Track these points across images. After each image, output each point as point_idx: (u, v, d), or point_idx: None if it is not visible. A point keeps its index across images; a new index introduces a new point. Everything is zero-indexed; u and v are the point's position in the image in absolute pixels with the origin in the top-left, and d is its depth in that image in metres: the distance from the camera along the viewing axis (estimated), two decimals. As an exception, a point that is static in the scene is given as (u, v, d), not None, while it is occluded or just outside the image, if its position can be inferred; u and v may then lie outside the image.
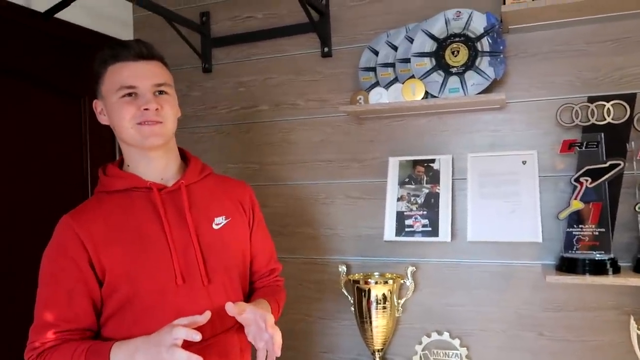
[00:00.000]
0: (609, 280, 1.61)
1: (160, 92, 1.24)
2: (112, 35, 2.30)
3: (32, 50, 1.98)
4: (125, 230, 1.19)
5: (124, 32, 2.39)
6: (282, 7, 2.17)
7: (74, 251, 1.15)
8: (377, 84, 1.97)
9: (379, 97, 1.91)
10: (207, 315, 1.09)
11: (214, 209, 1.33)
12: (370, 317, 1.89)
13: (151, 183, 1.24)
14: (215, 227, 1.31)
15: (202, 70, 2.31)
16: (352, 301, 1.96)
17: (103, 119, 1.28)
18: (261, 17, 2.23)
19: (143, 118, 1.19)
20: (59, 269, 1.15)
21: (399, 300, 1.93)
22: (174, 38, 2.20)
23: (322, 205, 2.12)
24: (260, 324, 1.17)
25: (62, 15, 1.97)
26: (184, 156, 1.38)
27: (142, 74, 1.21)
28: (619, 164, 1.66)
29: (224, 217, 1.33)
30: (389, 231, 1.92)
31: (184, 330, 1.03)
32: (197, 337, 1.03)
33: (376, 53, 1.98)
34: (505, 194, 1.81)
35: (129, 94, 1.20)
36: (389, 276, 1.94)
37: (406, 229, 1.90)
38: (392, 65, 1.94)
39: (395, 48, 1.94)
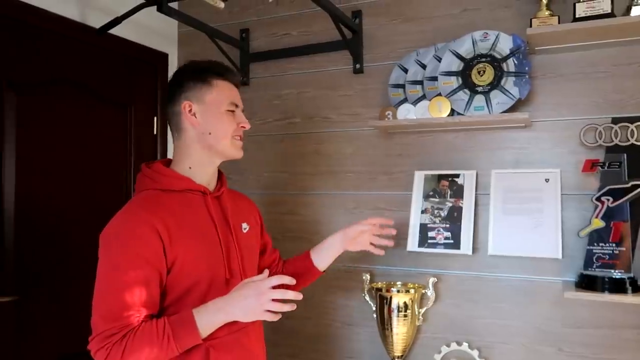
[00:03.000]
0: (628, 299, 1.64)
1: None
2: (158, 49, 2.47)
3: (85, 62, 2.14)
4: (188, 226, 1.31)
5: (170, 46, 2.55)
6: (317, 25, 2.28)
7: (151, 240, 1.23)
8: (405, 100, 2.05)
9: (407, 113, 1.99)
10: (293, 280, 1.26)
11: (241, 216, 1.51)
12: (391, 325, 1.96)
13: (204, 188, 1.39)
14: (243, 230, 1.49)
15: (240, 84, 2.44)
16: (374, 308, 2.03)
17: (192, 119, 1.37)
18: (296, 35, 2.34)
19: (238, 133, 1.41)
20: (135, 254, 1.21)
21: (420, 309, 2.00)
22: (215, 52, 2.35)
23: (351, 215, 2.21)
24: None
25: (113, 30, 2.13)
26: None
27: (240, 99, 1.45)
28: (641, 185, 1.68)
29: (246, 223, 1.51)
30: (412, 242, 1.99)
31: (278, 278, 1.22)
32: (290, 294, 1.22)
33: (405, 71, 2.06)
34: (528, 210, 1.86)
35: (232, 110, 1.40)
36: (411, 286, 2.01)
37: (429, 241, 1.96)
38: (421, 82, 2.02)
39: (424, 66, 2.02)
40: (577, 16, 1.69)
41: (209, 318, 1.21)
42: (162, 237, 1.24)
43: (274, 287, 1.21)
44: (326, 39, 2.26)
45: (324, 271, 1.67)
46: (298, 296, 1.23)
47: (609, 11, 1.65)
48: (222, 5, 1.99)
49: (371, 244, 1.66)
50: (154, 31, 2.43)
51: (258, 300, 1.19)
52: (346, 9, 2.19)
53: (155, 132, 2.45)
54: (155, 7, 1.92)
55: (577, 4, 1.69)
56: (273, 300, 1.19)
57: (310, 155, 2.30)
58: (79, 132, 2.12)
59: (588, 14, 1.67)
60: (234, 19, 2.44)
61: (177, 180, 1.36)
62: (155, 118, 2.45)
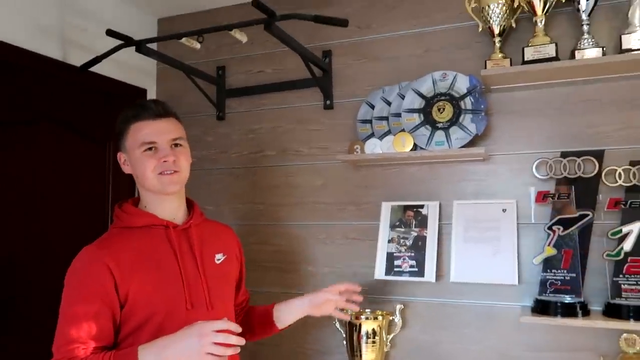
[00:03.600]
0: (579, 322, 1.74)
1: (176, 145, 1.45)
2: (137, 85, 2.57)
3: (65, 99, 2.23)
4: (145, 260, 1.37)
5: (149, 81, 2.65)
6: (290, 63, 2.39)
7: (102, 277, 1.30)
8: (372, 135, 2.17)
9: (374, 147, 2.10)
10: (238, 328, 1.24)
11: (215, 247, 1.55)
12: (360, 351, 2.03)
13: (167, 222, 1.44)
14: (216, 262, 1.53)
15: (216, 118, 2.54)
16: (344, 335, 2.10)
17: (126, 169, 1.49)
18: (270, 72, 2.47)
19: (163, 168, 1.41)
20: (87, 292, 1.30)
21: (388, 336, 2.07)
22: (192, 88, 2.45)
23: (322, 245, 2.29)
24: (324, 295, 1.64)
25: (93, 67, 2.22)
26: (187, 199, 1.58)
27: (160, 131, 1.42)
28: (588, 215, 1.81)
29: (222, 254, 1.55)
30: (380, 270, 2.07)
31: (223, 322, 1.22)
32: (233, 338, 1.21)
33: (372, 107, 2.19)
34: (487, 239, 1.96)
35: (150, 148, 1.41)
36: (379, 313, 2.08)
37: (395, 269, 2.05)
38: (386, 118, 2.14)
39: (389, 103, 2.14)
40: (525, 59, 1.83)
41: (153, 355, 1.23)
42: (114, 273, 1.31)
43: (220, 331, 1.21)
44: (298, 77, 2.38)
45: (281, 329, 1.69)
46: (240, 341, 1.21)
47: (554, 55, 1.80)
48: (198, 46, 2.09)
49: (336, 308, 1.68)
50: (133, 67, 2.53)
51: (199, 341, 1.20)
52: (317, 48, 2.33)
53: (133, 165, 2.52)
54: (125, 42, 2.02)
55: (525, 48, 1.84)
56: (216, 343, 1.20)
57: (282, 187, 2.40)
58: (58, 167, 2.19)
59: (535, 58, 1.81)
60: (210, 57, 2.56)
61: (137, 217, 1.44)
62: (133, 151, 2.53)
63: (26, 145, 2.06)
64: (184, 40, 2.04)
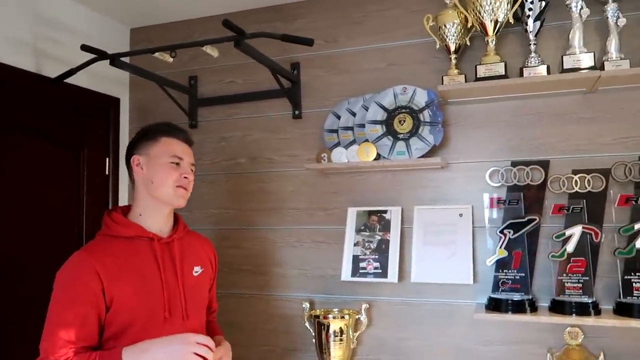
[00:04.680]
0: (527, 318, 1.91)
1: (192, 170, 1.65)
2: (110, 94, 2.62)
3: (40, 109, 2.27)
4: (130, 269, 1.48)
5: (121, 91, 2.71)
6: (260, 74, 2.49)
7: (91, 281, 1.40)
8: (338, 144, 2.29)
9: (340, 155, 2.22)
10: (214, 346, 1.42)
11: (194, 260, 1.67)
12: (329, 349, 2.15)
13: (153, 234, 1.55)
14: (194, 274, 1.65)
15: (189, 126, 2.62)
16: (313, 334, 2.22)
17: (138, 171, 1.59)
18: (241, 82, 2.56)
19: (181, 182, 1.58)
20: (76, 294, 1.40)
21: (354, 334, 2.20)
22: (165, 98, 2.53)
23: (292, 248, 2.41)
24: None
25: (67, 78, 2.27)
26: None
27: (186, 153, 1.63)
28: (535, 219, 1.97)
29: (200, 266, 1.68)
30: (346, 272, 2.21)
31: (204, 337, 1.40)
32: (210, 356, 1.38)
33: (338, 117, 2.31)
34: (445, 241, 2.11)
35: (177, 163, 1.58)
36: (346, 312, 2.21)
37: (360, 271, 2.19)
38: (352, 128, 2.27)
39: (354, 114, 2.27)
40: (478, 76, 1.98)
41: (136, 355, 1.36)
42: (102, 278, 1.41)
43: (201, 344, 1.38)
44: (268, 87, 2.48)
45: None
46: (213, 359, 1.40)
47: (503, 73, 1.95)
48: (170, 59, 2.18)
49: None
50: (106, 77, 2.58)
51: (182, 348, 1.37)
52: (285, 60, 2.43)
53: (107, 173, 2.59)
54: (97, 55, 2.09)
55: (477, 66, 1.99)
56: (196, 354, 1.36)
57: (254, 193, 2.50)
58: (33, 175, 2.23)
59: (487, 75, 1.96)
60: (182, 67, 2.63)
61: (126, 228, 1.54)
62: (107, 159, 2.59)
63: (1, 154, 2.11)
64: (157, 54, 2.12)
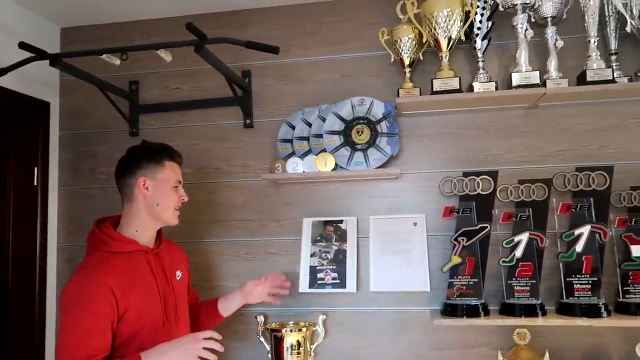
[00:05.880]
0: (481, 321, 2.00)
1: None
2: (40, 97, 2.40)
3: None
4: (135, 282, 1.60)
5: (51, 94, 2.50)
6: (208, 81, 2.42)
7: (107, 295, 1.52)
8: (293, 153, 2.27)
9: (295, 165, 2.20)
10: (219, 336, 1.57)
11: (176, 265, 1.82)
12: (286, 362, 2.11)
13: (146, 247, 1.68)
14: (177, 278, 1.80)
15: (129, 134, 2.47)
16: (268, 348, 2.17)
17: (144, 193, 1.68)
18: (188, 89, 2.46)
19: (179, 205, 1.75)
20: (96, 308, 1.50)
21: (312, 346, 2.18)
22: (101, 103, 2.37)
23: (243, 261, 2.34)
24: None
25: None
26: None
27: (181, 176, 1.78)
28: (486, 227, 2.07)
29: (180, 271, 1.83)
30: (304, 284, 2.18)
31: (210, 332, 1.55)
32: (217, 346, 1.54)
33: (293, 127, 2.29)
34: (400, 250, 2.16)
35: (176, 187, 1.73)
36: (303, 324, 2.18)
37: (318, 282, 2.17)
38: (307, 138, 2.25)
39: (309, 124, 2.26)
40: (434, 90, 2.06)
41: (155, 358, 1.50)
42: (115, 294, 1.53)
43: (206, 339, 1.54)
44: (217, 95, 2.40)
45: (225, 317, 2.04)
46: (221, 348, 1.55)
47: (458, 87, 2.05)
48: (118, 62, 2.04)
49: (269, 294, 2.06)
50: (35, 79, 2.37)
51: (194, 345, 1.52)
52: (236, 68, 2.37)
53: (35, 183, 2.36)
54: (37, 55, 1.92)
55: (433, 80, 2.07)
56: (205, 348, 1.52)
57: (201, 205, 2.40)
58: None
59: (442, 89, 2.05)
60: (123, 71, 2.46)
61: (124, 244, 1.65)
62: (35, 169, 2.37)
63: None
64: (104, 56, 1.98)
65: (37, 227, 2.35)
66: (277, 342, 2.13)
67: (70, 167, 2.52)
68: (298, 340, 2.12)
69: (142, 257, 1.67)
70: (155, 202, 1.68)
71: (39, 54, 1.92)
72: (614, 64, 2.06)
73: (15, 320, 2.21)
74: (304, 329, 2.15)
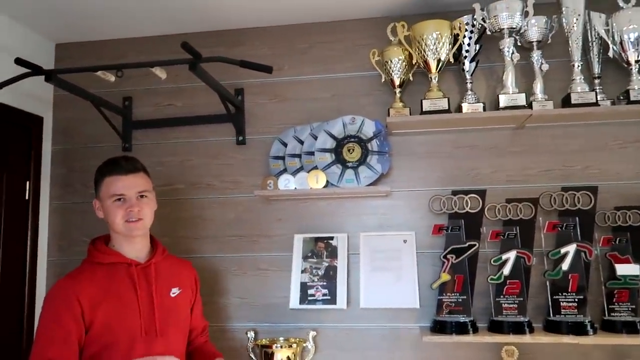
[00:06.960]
0: (470, 338, 2.02)
1: (142, 196, 1.72)
2: (33, 112, 2.41)
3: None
4: (109, 294, 1.62)
5: (45, 109, 2.51)
6: (201, 98, 2.44)
7: (71, 306, 1.55)
8: (285, 170, 2.30)
9: (287, 182, 2.23)
10: None
11: (172, 282, 1.78)
12: (276, 379, 2.11)
13: (131, 260, 1.69)
14: (172, 295, 1.76)
15: (122, 149, 2.48)
16: (259, 365, 2.17)
17: (100, 214, 1.74)
18: (180, 106, 2.49)
19: (129, 217, 1.68)
20: (59, 317, 1.55)
21: (302, 362, 2.18)
22: (94, 118, 2.38)
23: (233, 277, 2.35)
24: None
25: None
26: (151, 238, 1.83)
27: (129, 185, 1.69)
28: (475, 244, 2.11)
29: (178, 288, 1.79)
30: (294, 300, 2.19)
31: (170, 358, 1.57)
32: None
33: (285, 144, 2.32)
34: (390, 267, 2.19)
35: (119, 199, 1.68)
36: (293, 340, 2.19)
37: (309, 298, 2.19)
38: (299, 156, 2.29)
39: (301, 142, 2.29)
40: (424, 110, 2.11)
41: None
42: (81, 303, 1.56)
43: None
44: (209, 112, 2.43)
45: None
46: None
47: (447, 108, 2.10)
48: (112, 78, 2.07)
49: None
50: (28, 94, 2.38)
51: None
52: (229, 86, 2.41)
53: (27, 197, 2.36)
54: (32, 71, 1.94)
55: (423, 100, 2.11)
56: None
57: (193, 220, 2.41)
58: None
59: (432, 109, 2.09)
60: (117, 87, 2.48)
61: (105, 255, 1.70)
62: (27, 183, 2.37)
63: None
64: (100, 73, 2.00)
65: (27, 241, 2.35)
66: (267, 358, 2.13)
67: (62, 181, 2.52)
68: (288, 357, 2.12)
69: (123, 269, 1.68)
70: (107, 220, 1.71)
71: (35, 70, 1.94)
72: (597, 88, 2.13)
73: (4, 333, 2.20)
74: (294, 345, 2.16)
